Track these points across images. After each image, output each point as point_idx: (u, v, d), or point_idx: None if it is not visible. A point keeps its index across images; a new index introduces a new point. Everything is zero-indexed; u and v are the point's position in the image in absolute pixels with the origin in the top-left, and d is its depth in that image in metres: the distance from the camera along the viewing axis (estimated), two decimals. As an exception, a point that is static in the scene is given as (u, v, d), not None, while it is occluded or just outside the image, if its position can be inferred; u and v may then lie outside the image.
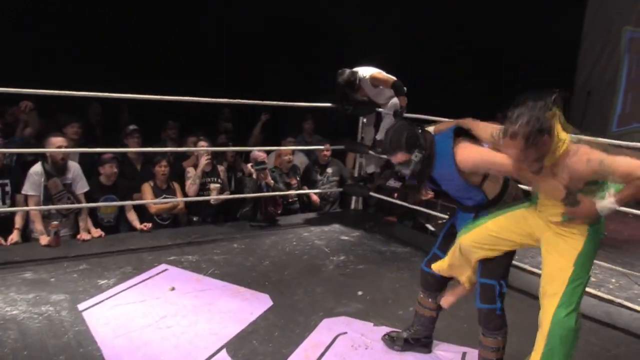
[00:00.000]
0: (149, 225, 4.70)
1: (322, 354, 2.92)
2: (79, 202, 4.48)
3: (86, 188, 4.56)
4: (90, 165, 4.91)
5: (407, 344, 2.98)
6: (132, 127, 5.58)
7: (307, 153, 6.40)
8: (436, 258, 2.87)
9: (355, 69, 5.05)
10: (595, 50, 9.29)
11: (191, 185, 5.08)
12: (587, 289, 4.00)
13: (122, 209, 4.84)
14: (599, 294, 4.01)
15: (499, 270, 2.56)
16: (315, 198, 5.92)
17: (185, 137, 5.92)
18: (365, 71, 5.02)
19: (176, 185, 5.11)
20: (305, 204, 5.95)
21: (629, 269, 4.00)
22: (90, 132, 5.89)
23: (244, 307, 3.41)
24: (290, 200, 5.75)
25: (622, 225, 6.52)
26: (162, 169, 4.93)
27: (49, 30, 6.99)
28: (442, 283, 2.91)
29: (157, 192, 4.93)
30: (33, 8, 7.01)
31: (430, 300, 2.93)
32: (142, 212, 4.91)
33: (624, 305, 3.81)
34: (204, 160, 5.08)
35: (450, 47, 8.56)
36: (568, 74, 9.37)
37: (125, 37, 7.42)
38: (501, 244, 2.52)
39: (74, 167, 4.52)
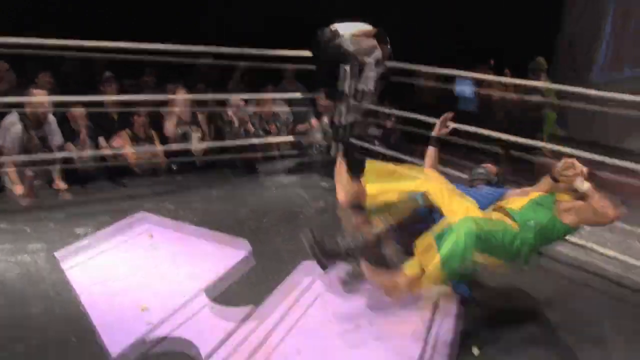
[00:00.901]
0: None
1: (301, 295, 2.96)
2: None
3: (61, 141, 4.46)
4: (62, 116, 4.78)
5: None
6: (108, 74, 5.41)
7: (289, 102, 6.32)
8: None
9: (334, 26, 4.89)
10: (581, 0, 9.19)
11: (169, 123, 4.95)
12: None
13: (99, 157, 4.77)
14: (571, 238, 4.09)
15: None
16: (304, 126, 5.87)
17: (164, 85, 5.77)
18: (346, 27, 4.88)
19: (154, 134, 5.03)
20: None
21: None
22: (64, 84, 5.72)
23: (222, 252, 3.42)
24: (272, 146, 5.71)
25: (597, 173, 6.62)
26: (141, 118, 4.84)
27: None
28: None
29: (135, 142, 4.85)
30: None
31: None
32: (120, 162, 4.84)
33: (594, 249, 3.90)
34: (179, 99, 4.94)
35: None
36: (553, 24, 9.28)
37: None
38: None
39: (50, 120, 4.41)
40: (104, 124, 5.03)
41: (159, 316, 2.65)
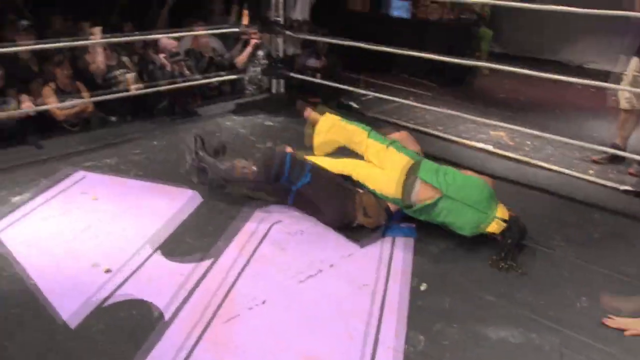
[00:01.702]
0: None
1: (260, 243, 2.94)
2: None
3: None
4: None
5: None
6: (24, 22, 4.89)
7: (221, 36, 6.02)
8: None
9: None
10: None
11: (96, 58, 4.61)
12: (505, 152, 4.24)
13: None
14: (516, 156, 4.23)
15: None
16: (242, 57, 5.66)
17: (79, 25, 5.29)
18: None
19: (81, 85, 4.67)
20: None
21: (543, 131, 4.18)
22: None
23: (173, 205, 3.30)
24: (210, 87, 5.48)
25: (535, 89, 6.80)
26: (64, 71, 4.46)
27: None
28: None
29: (61, 96, 4.49)
30: None
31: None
32: (47, 119, 4.50)
33: (538, 165, 4.05)
34: (96, 31, 4.53)
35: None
36: None
37: None
38: None
39: None
40: (24, 79, 4.63)
41: (114, 281, 2.56)
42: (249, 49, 5.57)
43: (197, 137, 3.44)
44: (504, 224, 2.79)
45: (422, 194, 2.87)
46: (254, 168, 2.88)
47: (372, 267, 2.73)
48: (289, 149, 3.42)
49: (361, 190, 3.08)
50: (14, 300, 2.42)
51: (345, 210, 2.99)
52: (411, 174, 2.94)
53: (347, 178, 3.18)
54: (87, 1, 5.33)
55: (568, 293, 2.56)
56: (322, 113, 3.45)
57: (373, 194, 3.05)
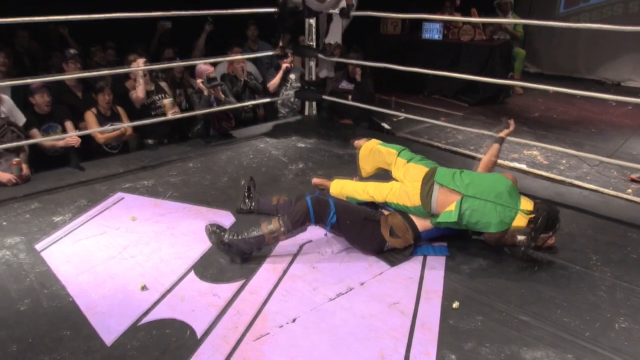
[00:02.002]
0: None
1: (291, 263, 2.97)
2: (23, 133, 4.23)
3: (23, 120, 4.29)
4: (23, 98, 4.60)
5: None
6: (72, 51, 5.17)
7: (255, 61, 6.18)
8: None
9: None
10: None
11: (138, 87, 4.79)
12: (539, 172, 4.19)
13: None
14: (551, 175, 4.16)
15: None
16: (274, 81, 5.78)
17: (125, 56, 5.55)
18: None
19: (121, 110, 4.86)
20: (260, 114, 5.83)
21: (578, 150, 4.12)
22: (18, 62, 5.48)
23: (207, 227, 3.39)
24: (245, 110, 5.61)
25: (570, 107, 6.71)
26: (105, 97, 4.66)
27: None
28: None
29: (102, 120, 4.68)
30: None
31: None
32: (89, 143, 4.69)
33: (574, 184, 3.98)
34: (140, 62, 4.75)
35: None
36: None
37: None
38: None
39: (5, 100, 4.22)
40: (68, 104, 4.86)
41: (149, 299, 2.63)
42: (280, 74, 5.70)
43: (246, 184, 3.57)
44: (530, 215, 2.74)
45: (442, 200, 2.86)
46: (282, 227, 2.89)
47: (403, 286, 2.72)
48: (317, 181, 3.52)
49: (386, 212, 3.08)
50: (53, 317, 2.51)
51: (376, 242, 2.99)
52: (428, 180, 2.94)
53: (371, 204, 3.19)
54: (129, 29, 5.57)
55: (606, 314, 2.49)
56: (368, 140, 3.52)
57: (398, 210, 3.05)
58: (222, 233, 2.92)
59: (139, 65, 4.73)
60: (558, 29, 8.11)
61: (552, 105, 6.85)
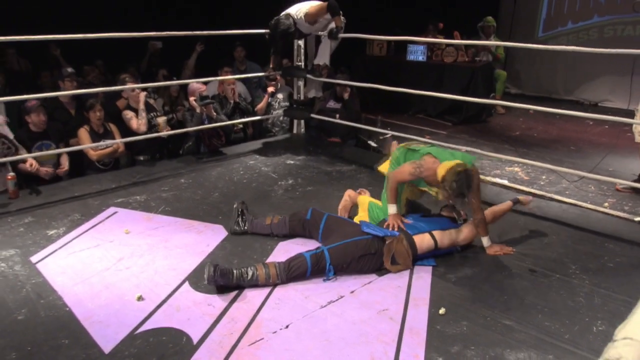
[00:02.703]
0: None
1: (283, 273, 3.04)
2: (16, 147, 4.30)
3: (11, 135, 4.37)
4: (17, 116, 4.68)
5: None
6: (69, 69, 5.28)
7: (244, 82, 6.32)
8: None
9: (288, 11, 4.92)
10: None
11: (140, 121, 4.91)
12: (521, 187, 4.35)
13: (59, 156, 4.68)
14: (531, 190, 4.32)
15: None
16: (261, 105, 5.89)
17: (116, 75, 5.66)
18: (299, 11, 4.90)
19: (113, 127, 4.94)
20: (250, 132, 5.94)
21: (558, 166, 4.30)
22: (9, 81, 5.55)
23: (199, 240, 3.46)
24: (235, 130, 5.72)
25: (550, 126, 6.93)
26: (97, 114, 4.75)
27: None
28: None
29: (95, 137, 4.76)
30: None
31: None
32: (81, 159, 4.76)
33: (554, 199, 4.14)
34: (142, 97, 4.91)
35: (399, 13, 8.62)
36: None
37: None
38: None
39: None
40: (62, 122, 4.94)
41: (145, 309, 2.69)
42: (266, 98, 5.84)
43: (239, 206, 3.61)
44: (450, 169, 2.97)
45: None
46: (278, 277, 2.90)
47: (392, 294, 2.82)
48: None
49: (389, 240, 3.08)
50: (51, 326, 2.55)
51: (373, 269, 3.05)
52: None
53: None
54: (120, 49, 5.68)
55: (584, 318, 2.61)
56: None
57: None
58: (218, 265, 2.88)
59: (140, 97, 4.89)
60: (538, 52, 8.40)
61: (532, 124, 7.08)
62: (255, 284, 2.87)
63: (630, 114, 4.36)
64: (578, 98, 8.72)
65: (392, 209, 3.25)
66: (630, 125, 4.43)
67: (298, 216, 3.43)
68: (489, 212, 3.27)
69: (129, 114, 4.99)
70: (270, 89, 5.82)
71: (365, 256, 3.01)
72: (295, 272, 2.91)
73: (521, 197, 3.45)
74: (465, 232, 3.21)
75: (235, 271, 2.85)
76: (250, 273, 2.87)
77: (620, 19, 8.27)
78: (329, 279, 2.95)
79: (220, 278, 2.81)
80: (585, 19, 8.80)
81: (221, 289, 2.83)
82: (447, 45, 7.58)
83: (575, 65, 8.62)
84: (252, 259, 3.19)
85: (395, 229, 3.14)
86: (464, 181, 2.94)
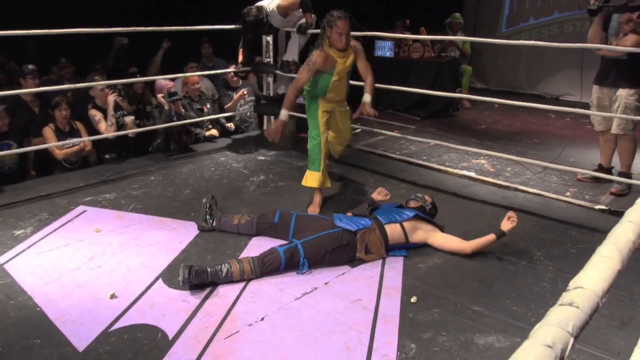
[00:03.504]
0: None
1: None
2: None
3: None
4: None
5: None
6: (30, 67, 5.13)
7: (212, 78, 6.28)
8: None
9: (260, 3, 4.92)
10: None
11: (110, 127, 4.84)
12: (487, 178, 4.46)
13: (23, 155, 4.58)
14: (497, 181, 4.44)
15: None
16: (229, 125, 5.86)
17: (85, 73, 5.56)
18: (271, 3, 4.90)
19: (79, 125, 4.86)
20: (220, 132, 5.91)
21: (522, 157, 4.44)
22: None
23: (171, 237, 3.45)
24: (205, 129, 5.68)
25: (514, 120, 7.11)
26: (62, 112, 4.65)
27: None
28: None
29: (60, 136, 4.66)
30: None
31: None
32: (47, 158, 4.67)
33: (519, 189, 4.26)
34: (111, 100, 4.84)
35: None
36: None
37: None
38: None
39: None
40: (25, 120, 4.83)
41: (118, 307, 2.68)
42: (236, 98, 5.80)
43: (208, 202, 3.60)
44: None
45: None
46: (252, 272, 2.89)
47: (365, 284, 2.88)
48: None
49: (362, 230, 3.13)
50: (22, 326, 2.51)
51: (346, 260, 3.10)
52: None
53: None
54: (85, 45, 5.58)
55: (549, 302, 2.69)
56: None
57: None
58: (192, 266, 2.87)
59: (109, 100, 4.83)
60: (502, 47, 8.58)
61: (497, 118, 7.25)
62: (230, 280, 2.88)
63: (586, 106, 4.52)
64: (540, 92, 8.96)
65: (283, 114, 3.90)
66: (588, 116, 4.59)
67: (266, 218, 3.44)
68: (470, 248, 3.19)
69: (97, 115, 4.90)
70: (242, 92, 5.78)
71: (338, 248, 3.06)
72: (269, 267, 2.94)
73: (505, 228, 3.16)
74: (437, 240, 3.25)
75: (209, 269, 2.86)
76: (224, 270, 2.88)
77: (579, 15, 8.50)
78: (302, 273, 2.98)
79: (195, 278, 2.81)
80: (546, 15, 9.04)
81: (195, 286, 2.84)
82: (414, 41, 7.69)
83: (538, 60, 8.85)
84: (225, 255, 3.20)
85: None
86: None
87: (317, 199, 3.90)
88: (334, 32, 3.66)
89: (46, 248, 3.28)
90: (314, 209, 3.85)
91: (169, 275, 2.98)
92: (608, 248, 1.08)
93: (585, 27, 8.35)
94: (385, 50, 7.91)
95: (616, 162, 4.46)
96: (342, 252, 3.07)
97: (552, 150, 5.33)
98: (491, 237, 3.14)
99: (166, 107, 5.01)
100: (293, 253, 2.99)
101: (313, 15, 4.93)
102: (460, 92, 7.86)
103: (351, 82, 4.08)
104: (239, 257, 3.04)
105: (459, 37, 7.56)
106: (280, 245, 3.03)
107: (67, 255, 3.20)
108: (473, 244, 3.17)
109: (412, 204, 3.46)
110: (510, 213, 3.20)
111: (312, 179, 3.86)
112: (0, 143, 4.47)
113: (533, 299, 2.75)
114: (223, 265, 2.89)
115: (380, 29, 6.14)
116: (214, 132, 5.67)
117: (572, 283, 0.99)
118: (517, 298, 2.75)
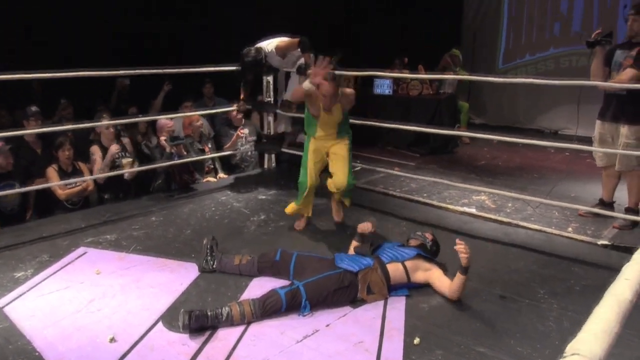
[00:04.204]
0: None
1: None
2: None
3: None
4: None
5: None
6: (33, 108, 5.20)
7: (211, 118, 6.37)
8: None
9: (259, 45, 5.02)
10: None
11: (101, 170, 4.89)
12: (488, 215, 4.45)
13: (25, 196, 4.60)
14: (498, 217, 4.44)
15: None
16: (224, 176, 5.87)
17: (89, 116, 5.65)
18: (269, 44, 5.01)
19: (82, 166, 4.90)
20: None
21: (522, 193, 4.45)
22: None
23: (172, 278, 3.43)
24: (207, 169, 5.72)
25: (513, 155, 7.15)
26: (66, 152, 4.71)
27: None
28: None
29: (63, 176, 4.70)
30: None
31: None
32: (49, 199, 4.69)
33: (520, 225, 4.26)
34: (112, 150, 4.91)
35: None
36: (455, 16, 9.85)
37: None
38: (319, 167, 4.17)
39: None
40: (27, 157, 4.88)
41: (118, 350, 2.65)
42: (234, 138, 5.86)
43: (208, 242, 3.60)
44: None
45: None
46: (253, 315, 2.87)
47: (367, 326, 2.84)
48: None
49: (363, 270, 3.11)
50: (20, 372, 2.49)
51: (348, 301, 3.07)
52: None
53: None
54: (87, 86, 5.67)
55: (554, 341, 2.68)
56: None
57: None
58: (192, 311, 2.86)
59: (111, 150, 4.97)
60: (499, 83, 8.71)
61: (496, 153, 7.29)
62: (230, 324, 2.85)
63: (584, 140, 4.55)
64: (539, 126, 9.04)
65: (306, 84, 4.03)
66: (588, 151, 4.62)
67: (267, 257, 3.43)
68: (455, 296, 3.07)
69: (95, 153, 4.96)
70: (240, 131, 5.84)
71: (339, 289, 3.03)
72: (271, 309, 2.91)
73: (463, 264, 2.96)
74: (434, 282, 3.19)
75: (209, 313, 2.83)
76: (225, 313, 2.85)
77: (575, 50, 8.67)
78: (304, 315, 2.95)
79: (195, 323, 2.78)
80: (542, 51, 9.21)
81: (196, 329, 2.81)
82: (412, 79, 7.81)
83: (535, 95, 8.96)
84: (226, 296, 3.18)
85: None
86: None
87: (301, 221, 4.31)
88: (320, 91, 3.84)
89: (46, 291, 3.26)
90: (298, 224, 4.30)
91: (169, 318, 2.94)
92: (605, 309, 1.06)
93: (582, 62, 8.51)
94: (384, 88, 8.03)
95: (617, 197, 4.47)
96: (344, 293, 3.05)
97: (552, 185, 5.33)
98: (461, 277, 2.98)
99: (167, 150, 5.06)
100: (295, 295, 2.96)
101: (312, 55, 5.01)
102: (459, 128, 7.93)
103: (354, 120, 4.15)
104: (240, 299, 3.02)
105: (453, 76, 7.66)
106: (282, 287, 3.01)
107: (67, 298, 3.17)
108: (455, 292, 3.03)
109: (413, 242, 3.45)
110: (457, 246, 2.94)
111: (289, 206, 4.30)
112: (3, 183, 4.51)
113: (538, 338, 2.71)
114: (223, 309, 2.87)
115: (379, 67, 6.25)
116: (211, 179, 5.69)
117: (569, 348, 0.98)
118: (521, 338, 2.72)
